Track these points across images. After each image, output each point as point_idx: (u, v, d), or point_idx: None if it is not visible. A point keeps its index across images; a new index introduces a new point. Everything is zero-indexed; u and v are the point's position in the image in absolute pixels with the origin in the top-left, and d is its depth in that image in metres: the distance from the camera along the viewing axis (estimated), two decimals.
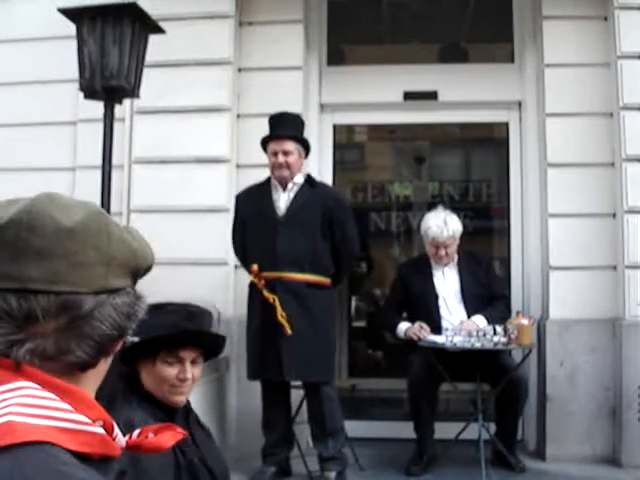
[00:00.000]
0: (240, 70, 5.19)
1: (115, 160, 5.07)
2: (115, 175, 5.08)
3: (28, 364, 0.92)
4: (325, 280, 4.31)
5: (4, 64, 5.35)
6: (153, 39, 4.57)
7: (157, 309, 2.24)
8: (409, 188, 6.93)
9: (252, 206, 4.39)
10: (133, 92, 3.99)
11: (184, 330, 2.24)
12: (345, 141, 6.34)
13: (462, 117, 5.45)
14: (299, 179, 4.34)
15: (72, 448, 0.89)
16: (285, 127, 4.29)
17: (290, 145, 4.26)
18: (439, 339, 4.44)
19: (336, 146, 5.59)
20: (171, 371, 2.22)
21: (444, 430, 4.61)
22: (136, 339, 2.19)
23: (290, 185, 4.32)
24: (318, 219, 4.23)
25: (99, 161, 4.86)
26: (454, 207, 5.33)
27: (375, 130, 6.40)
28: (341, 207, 4.35)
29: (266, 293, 4.20)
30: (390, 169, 7.36)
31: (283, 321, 4.12)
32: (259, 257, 4.27)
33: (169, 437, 1.12)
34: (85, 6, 3.86)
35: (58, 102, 5.26)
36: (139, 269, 1.03)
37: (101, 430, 0.95)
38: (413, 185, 7.02)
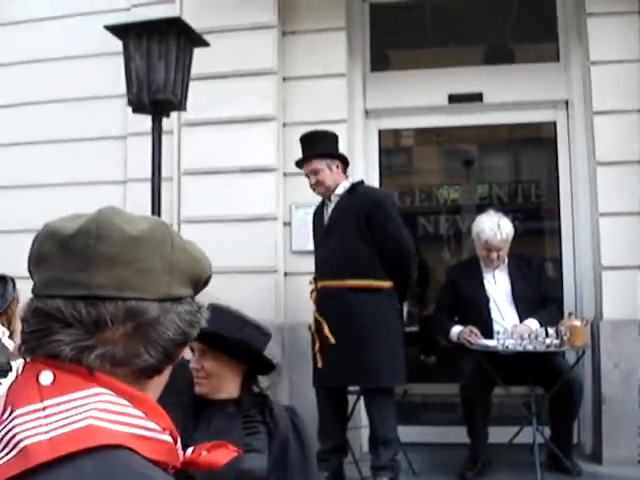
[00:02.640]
0: (285, 79, 5.25)
1: (164, 172, 5.20)
2: (165, 187, 5.19)
3: (99, 370, 0.95)
4: (373, 283, 4.26)
5: (55, 81, 5.51)
6: (198, 52, 4.66)
7: None
8: (457, 191, 6.88)
9: (315, 221, 4.59)
10: (180, 105, 4.08)
11: None
12: (392, 146, 6.34)
13: (508, 118, 5.40)
14: (340, 190, 4.38)
15: (145, 454, 0.91)
16: (310, 147, 4.38)
17: (317, 164, 4.35)
18: (491, 343, 4.40)
19: (382, 151, 5.61)
20: (192, 361, 2.39)
21: (498, 434, 4.58)
22: None
23: (333, 197, 4.39)
24: (354, 223, 4.24)
25: (149, 174, 4.98)
26: (503, 209, 5.28)
27: (422, 134, 6.38)
28: (379, 206, 4.29)
29: (312, 303, 4.40)
30: (438, 173, 7.32)
31: (327, 333, 4.21)
32: (315, 268, 4.49)
33: (223, 455, 1.16)
34: (131, 22, 3.97)
35: (108, 117, 5.39)
36: (200, 279, 1.07)
37: (170, 439, 0.98)
38: (461, 188, 6.97)
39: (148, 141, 5.09)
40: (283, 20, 5.25)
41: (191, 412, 2.38)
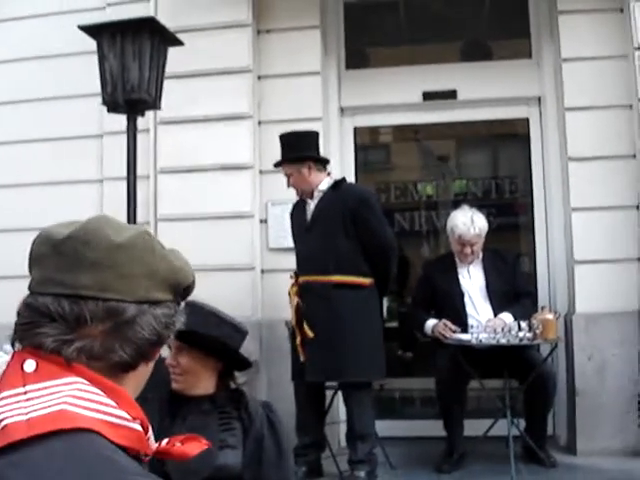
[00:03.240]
0: (260, 78, 5.27)
1: (141, 171, 5.20)
2: (141, 185, 5.21)
3: (77, 361, 1.04)
4: (356, 280, 4.31)
5: (29, 81, 5.49)
6: (173, 51, 4.66)
7: None
8: (434, 187, 6.93)
9: (294, 219, 4.63)
10: (154, 104, 4.09)
11: None
12: (368, 143, 6.37)
13: (482, 115, 5.45)
14: (323, 186, 4.42)
15: (115, 440, 1.00)
16: (285, 149, 4.44)
17: (287, 168, 4.44)
18: (465, 337, 4.45)
19: (358, 148, 5.64)
20: (168, 358, 2.43)
21: (474, 427, 4.63)
22: None
23: (316, 193, 4.43)
24: (339, 219, 4.28)
25: (125, 172, 4.98)
26: (478, 205, 5.34)
27: (398, 131, 6.42)
28: (363, 203, 4.35)
29: (292, 298, 4.41)
30: (414, 169, 7.37)
31: (306, 328, 4.25)
32: (297, 263, 4.51)
33: (195, 447, 1.24)
34: (105, 22, 3.98)
35: (84, 116, 5.38)
36: (179, 285, 1.16)
37: (139, 427, 1.06)
38: (438, 184, 7.02)
39: (124, 140, 5.06)
40: (258, 19, 5.27)
41: (167, 408, 2.40)
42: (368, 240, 4.31)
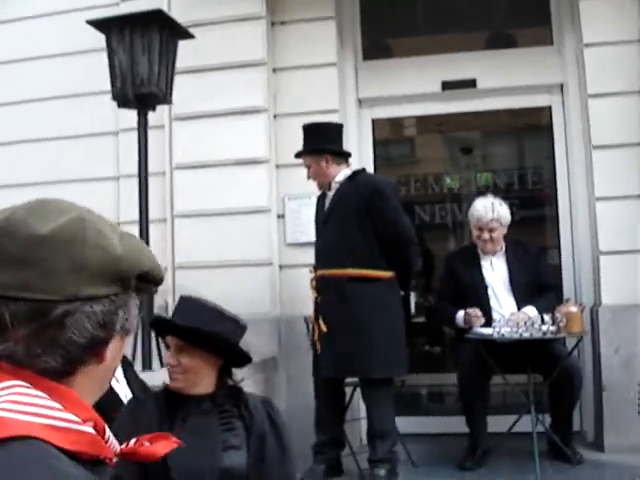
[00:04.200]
0: (275, 70, 5.20)
1: (157, 167, 5.20)
2: (158, 181, 5.21)
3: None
4: (373, 273, 4.21)
5: (45, 79, 5.47)
6: (187, 45, 4.63)
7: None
8: (456, 179, 6.81)
9: (316, 210, 4.55)
10: (165, 98, 4.04)
11: (156, 318, 2.51)
12: (387, 135, 6.26)
13: (503, 104, 5.33)
14: (341, 177, 4.33)
15: (61, 445, 0.90)
16: (306, 142, 4.38)
17: (307, 160, 4.38)
18: (487, 331, 4.35)
19: (377, 140, 5.55)
20: (167, 357, 2.37)
21: (498, 423, 4.53)
22: None
23: (333, 184, 4.35)
24: (353, 211, 4.19)
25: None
26: (502, 197, 5.22)
27: (417, 122, 6.30)
28: (377, 193, 4.24)
29: (311, 292, 4.35)
30: (436, 161, 7.24)
31: (320, 323, 4.19)
32: (315, 257, 4.45)
33: (164, 446, 1.12)
34: (113, 16, 3.93)
35: (99, 114, 5.35)
36: (124, 276, 1.01)
37: (91, 430, 0.95)
38: (461, 177, 6.90)
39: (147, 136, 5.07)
40: (272, 10, 5.19)
41: (165, 409, 2.33)
42: (383, 231, 4.20)
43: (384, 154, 5.86)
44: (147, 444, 1.11)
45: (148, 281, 1.06)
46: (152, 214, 5.11)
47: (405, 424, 4.79)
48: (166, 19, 3.90)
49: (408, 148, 7.02)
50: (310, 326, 4.45)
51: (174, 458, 2.17)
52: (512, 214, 4.76)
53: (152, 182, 5.14)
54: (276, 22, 5.21)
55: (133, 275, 1.02)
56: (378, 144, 5.57)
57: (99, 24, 3.92)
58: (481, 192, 5.72)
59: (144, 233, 4.02)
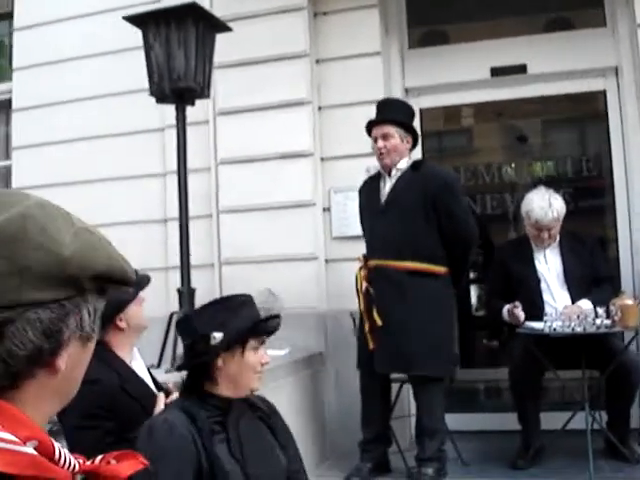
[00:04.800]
0: (318, 61, 5.12)
1: (202, 162, 5.20)
2: (203, 177, 5.21)
3: None
4: (432, 268, 4.09)
5: (91, 78, 5.52)
6: (230, 39, 4.60)
7: (225, 303, 2.36)
8: (512, 169, 6.59)
9: (366, 196, 4.37)
10: (203, 92, 4.00)
11: (267, 317, 2.38)
12: (437, 125, 6.10)
13: (554, 89, 5.12)
14: (403, 165, 4.18)
15: None
16: (386, 112, 4.18)
17: (389, 129, 4.13)
18: (538, 325, 4.18)
19: (425, 130, 5.42)
20: (257, 357, 2.30)
21: (553, 420, 4.36)
22: (220, 335, 2.24)
23: (394, 171, 4.19)
24: (419, 204, 4.05)
25: (188, 164, 4.96)
26: (556, 186, 5.04)
27: (468, 110, 6.13)
28: (446, 188, 4.12)
29: (360, 282, 4.19)
30: (490, 151, 7.03)
31: (375, 316, 4.05)
32: (367, 246, 4.28)
33: (128, 466, 1.01)
34: (149, 11, 3.91)
35: (145, 110, 5.34)
36: (75, 278, 0.92)
37: (31, 450, 0.86)
38: (516, 165, 6.68)
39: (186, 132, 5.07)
40: (314, 1, 5.11)
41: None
42: (449, 228, 4.08)
43: (434, 144, 5.69)
44: (113, 462, 1.02)
45: (109, 282, 0.96)
46: (198, 210, 5.15)
47: (458, 421, 4.68)
48: (201, 12, 3.86)
49: (458, 138, 6.84)
50: (357, 319, 4.35)
51: (249, 466, 2.17)
52: (567, 204, 4.57)
53: (197, 178, 5.19)
54: (318, 12, 5.13)
55: (85, 277, 0.92)
56: (427, 134, 5.42)
57: (135, 20, 3.91)
58: (535, 183, 5.51)
59: (184, 229, 3.99)
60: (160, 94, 3.92)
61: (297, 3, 5.02)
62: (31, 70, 5.73)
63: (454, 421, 4.81)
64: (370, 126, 4.24)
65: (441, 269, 4.13)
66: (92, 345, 1.00)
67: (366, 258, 4.22)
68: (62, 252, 0.90)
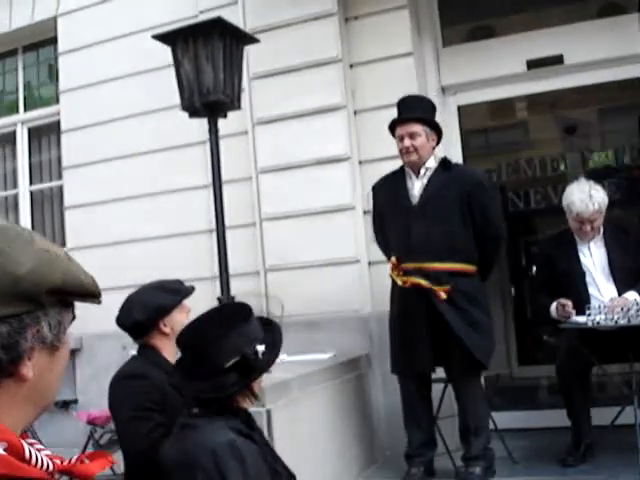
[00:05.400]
0: (352, 66, 5.15)
1: (244, 172, 5.30)
2: (245, 187, 5.30)
3: None
4: (469, 268, 4.09)
5: (133, 96, 5.68)
6: (263, 49, 4.71)
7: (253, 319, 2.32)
8: (563, 161, 6.47)
9: (388, 196, 4.27)
10: (233, 104, 4.07)
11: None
12: (473, 122, 6.03)
13: (592, 79, 5.04)
14: (431, 163, 4.15)
15: None
16: (410, 109, 4.13)
17: (416, 127, 4.07)
18: (581, 319, 4.11)
19: (463, 129, 5.40)
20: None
21: (604, 416, 4.28)
22: (262, 348, 2.22)
23: (423, 171, 4.14)
24: (456, 204, 4.03)
25: (229, 176, 5.07)
26: (601, 176, 4.95)
27: (503, 106, 6.04)
28: (481, 188, 4.11)
29: (402, 279, 4.08)
30: (538, 144, 6.93)
31: (433, 287, 3.96)
32: (397, 248, 4.17)
33: (98, 465, 1.09)
34: (177, 28, 4.00)
35: (186, 125, 5.45)
36: (31, 294, 0.99)
37: (1, 450, 0.94)
38: (565, 157, 6.57)
39: (227, 144, 5.19)
40: (344, 6, 5.15)
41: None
42: (483, 227, 4.07)
43: (474, 142, 5.64)
44: (87, 461, 1.10)
45: (70, 295, 1.04)
46: (241, 219, 5.27)
47: (511, 419, 4.64)
48: (227, 26, 3.94)
49: (501, 133, 6.76)
50: (391, 322, 4.33)
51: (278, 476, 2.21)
52: (612, 194, 4.48)
53: (240, 187, 5.31)
54: (350, 18, 5.16)
55: (41, 292, 1.00)
56: (464, 132, 5.40)
57: (165, 38, 4.01)
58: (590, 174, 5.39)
59: (221, 239, 4.08)
60: (191, 108, 4.02)
61: (327, 9, 5.06)
62: (77, 92, 5.94)
63: (508, 419, 4.79)
64: (394, 125, 4.19)
65: (474, 268, 4.13)
66: (63, 354, 1.08)
67: (399, 261, 4.13)
68: (17, 270, 0.97)
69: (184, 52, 3.95)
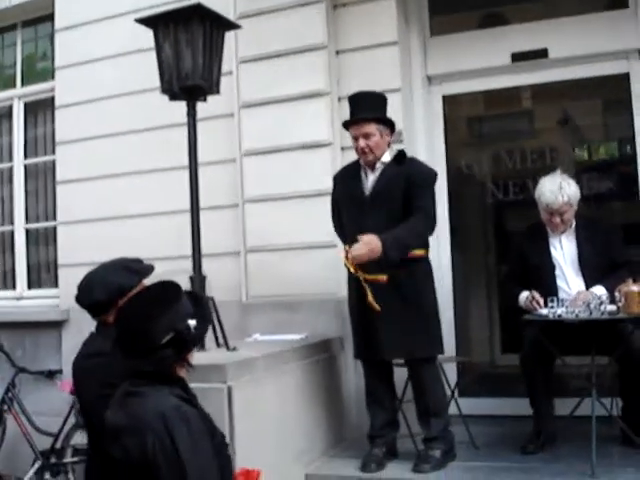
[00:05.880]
0: (338, 53, 5.21)
1: (229, 154, 5.40)
2: (230, 168, 5.42)
3: None
4: (418, 252, 4.14)
5: (127, 75, 5.80)
6: (251, 34, 4.77)
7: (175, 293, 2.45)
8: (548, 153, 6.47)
9: (344, 187, 4.36)
10: (211, 89, 4.15)
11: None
12: (457, 112, 6.06)
13: (576, 73, 5.06)
14: (386, 157, 4.23)
15: None
16: (363, 109, 4.17)
17: (369, 127, 4.14)
18: (544, 311, 4.20)
19: (447, 118, 5.46)
20: None
21: (566, 406, 4.37)
22: (194, 322, 2.39)
23: (378, 165, 4.23)
24: (400, 196, 4.10)
25: (215, 157, 5.17)
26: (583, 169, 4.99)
27: (487, 97, 6.05)
28: (421, 178, 4.15)
29: (351, 268, 4.13)
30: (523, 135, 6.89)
31: (372, 301, 4.07)
32: (350, 237, 4.22)
33: None
34: (159, 13, 4.08)
35: (172, 106, 5.53)
36: None
37: None
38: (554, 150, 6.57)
39: (214, 125, 5.28)
40: None
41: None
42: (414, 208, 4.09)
43: (452, 131, 5.67)
44: None
45: None
46: (225, 200, 5.39)
47: (475, 405, 4.73)
48: (207, 12, 4.00)
49: (482, 124, 6.77)
50: (350, 307, 4.42)
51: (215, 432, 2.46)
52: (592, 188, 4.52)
53: (224, 169, 5.42)
54: (338, 5, 5.21)
55: None
56: (448, 122, 5.45)
57: (147, 21, 4.09)
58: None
59: (195, 220, 4.17)
60: (170, 92, 4.10)
61: None
62: (71, 69, 6.04)
63: (475, 405, 4.90)
64: (347, 124, 4.28)
65: (422, 252, 4.19)
66: None
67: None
68: None
69: (165, 36, 4.03)
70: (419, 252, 4.17)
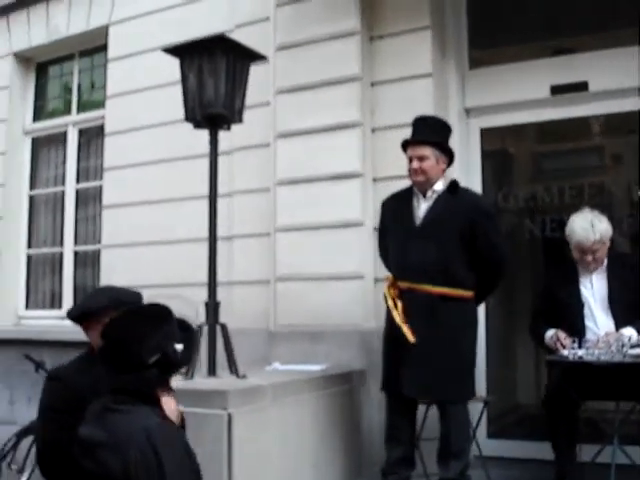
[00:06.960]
0: (373, 84, 5.21)
1: (264, 183, 5.46)
2: (265, 197, 5.46)
3: None
4: (462, 293, 4.07)
5: (168, 106, 5.88)
6: (288, 65, 4.86)
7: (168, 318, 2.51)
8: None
9: (394, 213, 4.32)
10: (234, 118, 4.21)
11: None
12: (495, 146, 5.94)
13: (616, 107, 4.91)
14: (439, 186, 4.16)
15: None
16: (422, 132, 4.16)
17: (425, 150, 4.10)
18: (566, 352, 4.03)
19: (485, 152, 5.37)
20: None
21: (590, 452, 4.17)
22: (180, 347, 2.46)
23: (429, 193, 4.16)
24: (456, 229, 4.02)
25: (253, 186, 5.23)
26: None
27: (524, 131, 5.92)
28: (486, 215, 4.12)
29: (389, 299, 4.14)
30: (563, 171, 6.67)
31: (403, 327, 3.99)
32: (394, 266, 4.25)
33: None
34: (184, 43, 4.18)
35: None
36: None
37: None
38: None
39: (250, 155, 5.36)
40: (370, 26, 5.22)
41: None
42: (487, 254, 4.07)
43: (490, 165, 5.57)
44: None
45: None
46: (259, 228, 5.43)
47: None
48: (230, 43, 4.08)
49: (519, 159, 6.59)
50: (384, 339, 4.35)
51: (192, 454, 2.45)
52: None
53: (260, 198, 5.49)
54: (374, 37, 5.23)
55: None
56: (485, 155, 5.36)
57: (173, 51, 4.20)
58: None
59: (212, 247, 4.21)
60: (194, 120, 4.18)
61: (350, 28, 5.14)
62: (120, 98, 6.25)
63: (497, 447, 4.74)
64: (405, 145, 4.24)
65: (469, 293, 4.11)
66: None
67: (395, 278, 4.20)
68: None
69: (190, 66, 4.12)
70: (467, 293, 4.09)
